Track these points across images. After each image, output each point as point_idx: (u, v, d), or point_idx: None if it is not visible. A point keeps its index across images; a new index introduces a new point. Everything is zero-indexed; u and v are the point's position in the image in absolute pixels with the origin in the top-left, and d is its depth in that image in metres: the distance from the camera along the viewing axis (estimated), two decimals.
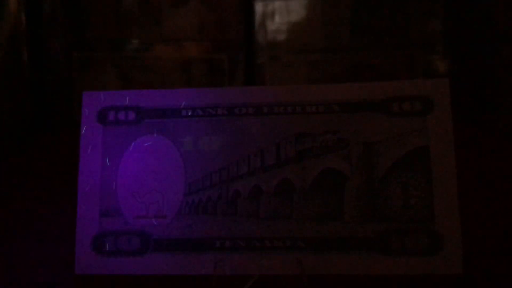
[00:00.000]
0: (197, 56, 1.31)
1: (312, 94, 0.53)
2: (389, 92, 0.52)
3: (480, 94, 1.22)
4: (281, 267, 0.51)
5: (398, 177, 0.51)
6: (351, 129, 0.52)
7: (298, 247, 0.51)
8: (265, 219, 0.52)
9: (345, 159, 0.52)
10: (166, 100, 0.55)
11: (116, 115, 0.55)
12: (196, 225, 0.52)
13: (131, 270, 0.52)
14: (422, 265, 0.49)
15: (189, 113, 0.54)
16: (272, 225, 0.52)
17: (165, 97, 0.55)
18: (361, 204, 0.51)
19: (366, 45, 1.30)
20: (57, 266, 0.63)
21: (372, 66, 1.29)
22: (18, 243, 0.73)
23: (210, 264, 0.51)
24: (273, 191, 0.53)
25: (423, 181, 0.50)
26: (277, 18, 1.32)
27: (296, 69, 1.32)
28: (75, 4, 1.30)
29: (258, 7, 1.31)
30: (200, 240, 0.52)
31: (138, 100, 0.55)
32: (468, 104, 1.18)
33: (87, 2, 1.30)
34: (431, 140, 0.51)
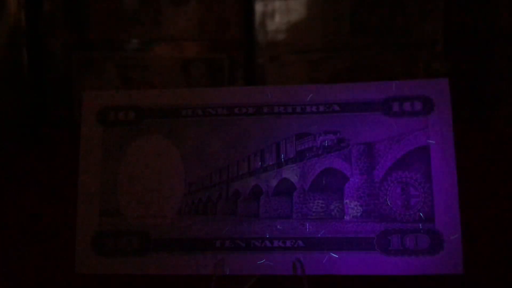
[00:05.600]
0: (197, 56, 1.31)
1: (312, 94, 0.53)
2: (389, 92, 0.52)
3: (480, 94, 1.22)
4: (281, 267, 0.51)
5: (398, 177, 0.51)
6: (351, 129, 0.52)
7: (298, 247, 0.51)
8: (265, 219, 0.52)
9: (345, 159, 0.52)
10: (166, 100, 0.55)
11: (116, 115, 0.55)
12: (196, 225, 0.52)
13: (131, 270, 0.52)
14: (422, 265, 0.49)
15: (189, 113, 0.54)
16: (272, 225, 0.52)
17: (165, 97, 0.55)
18: (361, 204, 0.51)
19: (366, 45, 1.30)
20: (57, 266, 0.63)
21: (372, 66, 1.29)
22: (18, 243, 0.73)
23: (210, 264, 0.51)
24: (273, 191, 0.53)
25: (423, 181, 0.50)
26: (277, 18, 1.31)
27: (296, 69, 1.32)
28: (75, 4, 1.30)
29: (258, 7, 1.31)
30: (200, 240, 0.52)
31: (138, 100, 0.55)
32: (468, 104, 1.18)
33: (87, 2, 1.30)
34: (431, 140, 0.51)
